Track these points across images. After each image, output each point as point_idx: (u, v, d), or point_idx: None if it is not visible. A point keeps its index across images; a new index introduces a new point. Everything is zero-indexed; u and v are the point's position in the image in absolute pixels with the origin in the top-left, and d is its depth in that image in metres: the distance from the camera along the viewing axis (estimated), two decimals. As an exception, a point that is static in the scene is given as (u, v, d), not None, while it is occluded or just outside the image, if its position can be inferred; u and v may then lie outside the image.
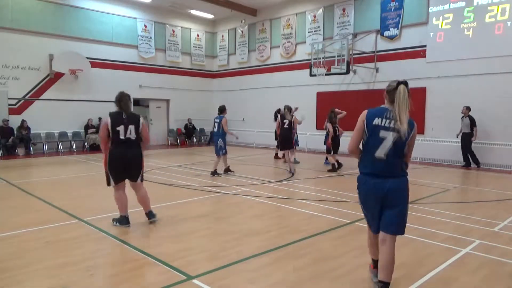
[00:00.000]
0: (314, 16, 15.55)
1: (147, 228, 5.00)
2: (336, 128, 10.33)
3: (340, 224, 5.12)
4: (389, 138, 2.93)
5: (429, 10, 12.29)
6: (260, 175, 9.29)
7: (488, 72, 11.15)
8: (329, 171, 10.06)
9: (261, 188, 7.68)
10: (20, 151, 13.60)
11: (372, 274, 3.41)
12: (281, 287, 3.26)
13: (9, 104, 13.88)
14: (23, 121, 13.75)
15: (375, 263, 3.33)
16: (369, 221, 3.22)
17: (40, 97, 14.61)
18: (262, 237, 4.59)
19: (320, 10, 15.35)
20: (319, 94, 15.44)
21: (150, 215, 5.17)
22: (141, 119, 5.07)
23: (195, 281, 3.35)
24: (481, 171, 10.55)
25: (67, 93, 15.26)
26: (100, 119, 15.91)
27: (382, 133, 2.96)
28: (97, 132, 15.43)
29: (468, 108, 10.93)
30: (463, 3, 11.56)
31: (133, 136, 4.91)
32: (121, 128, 4.84)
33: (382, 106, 3.06)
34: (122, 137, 4.83)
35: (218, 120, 9.30)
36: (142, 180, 5.10)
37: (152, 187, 7.79)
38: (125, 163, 4.87)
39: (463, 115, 11.02)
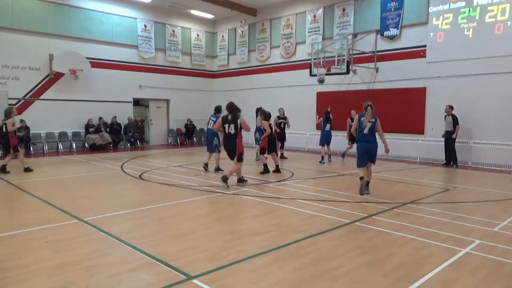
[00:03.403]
0: (314, 16, 15.55)
1: (147, 228, 5.01)
2: (275, 126, 10.51)
3: (340, 224, 5.12)
4: (366, 126, 6.88)
5: (429, 10, 12.29)
6: (260, 175, 9.28)
7: (488, 72, 11.15)
8: (261, 173, 9.41)
9: (261, 188, 7.69)
10: (20, 151, 13.56)
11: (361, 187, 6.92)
12: (281, 287, 3.26)
13: (9, 104, 13.85)
14: (21, 121, 13.73)
15: (362, 179, 6.86)
16: (362, 162, 6.92)
17: (40, 97, 14.62)
18: (262, 237, 4.59)
19: (320, 10, 15.35)
20: (319, 94, 15.44)
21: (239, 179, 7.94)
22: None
23: (195, 281, 3.35)
24: (480, 171, 10.55)
25: (67, 93, 15.26)
26: (100, 118, 15.93)
27: (364, 124, 6.92)
28: (96, 132, 15.46)
29: (451, 107, 11.12)
30: (463, 3, 11.56)
31: (232, 131, 7.73)
32: (226, 126, 7.76)
33: (362, 112, 6.97)
34: (226, 131, 7.74)
35: (215, 119, 9.44)
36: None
37: (152, 187, 7.80)
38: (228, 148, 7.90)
39: (446, 114, 11.14)
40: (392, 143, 13.02)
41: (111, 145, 15.82)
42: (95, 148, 15.22)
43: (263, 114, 9.93)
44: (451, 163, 11.19)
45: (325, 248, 4.23)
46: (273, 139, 9.88)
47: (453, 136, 10.98)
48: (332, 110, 12.14)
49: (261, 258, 3.90)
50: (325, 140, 11.88)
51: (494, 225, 5.18)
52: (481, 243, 4.41)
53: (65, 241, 4.42)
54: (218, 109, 9.76)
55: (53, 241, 4.41)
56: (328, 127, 11.80)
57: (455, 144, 11.17)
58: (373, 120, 6.81)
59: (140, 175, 9.18)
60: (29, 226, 4.95)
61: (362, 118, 6.89)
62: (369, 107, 6.80)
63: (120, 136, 16.30)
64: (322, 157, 11.94)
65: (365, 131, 6.83)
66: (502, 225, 5.18)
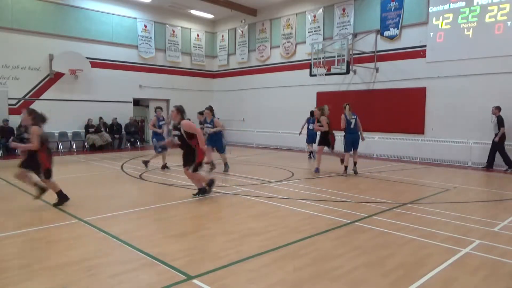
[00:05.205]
0: (314, 16, 15.55)
1: (147, 228, 5.01)
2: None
3: (339, 224, 5.12)
4: (352, 122, 9.37)
5: (429, 10, 12.29)
6: (260, 175, 9.29)
7: (488, 72, 11.15)
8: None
9: (261, 188, 7.68)
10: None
11: (344, 171, 9.33)
12: (281, 287, 3.26)
13: (9, 104, 13.88)
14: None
15: (345, 167, 9.34)
16: (348, 148, 9.45)
17: (40, 97, 14.61)
18: (262, 237, 4.59)
19: (320, 10, 15.35)
20: (319, 94, 15.43)
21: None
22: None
23: (195, 281, 3.35)
24: (480, 171, 10.55)
25: (67, 93, 15.26)
26: (100, 118, 15.92)
27: (350, 121, 9.39)
28: (96, 132, 15.44)
29: (498, 108, 10.47)
30: (463, 3, 11.56)
31: None
32: None
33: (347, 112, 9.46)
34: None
35: (164, 122, 10.82)
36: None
37: (152, 187, 7.80)
38: None
39: (493, 115, 10.58)
40: (392, 143, 13.14)
41: (111, 145, 15.82)
42: (95, 148, 15.22)
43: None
44: (507, 168, 10.49)
45: (325, 248, 4.22)
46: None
47: (495, 139, 10.41)
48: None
49: (261, 258, 3.90)
50: (310, 138, 12.76)
51: (494, 225, 5.18)
52: (481, 243, 4.41)
53: (65, 241, 4.42)
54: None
55: (53, 241, 4.41)
56: (311, 126, 12.51)
57: (504, 147, 10.47)
58: (354, 117, 9.39)
59: (140, 175, 9.18)
60: (29, 226, 4.95)
61: (348, 117, 9.45)
62: (347, 106, 9.45)
63: (120, 136, 16.30)
64: (309, 153, 13.08)
65: (352, 126, 9.39)
66: (502, 225, 5.18)
